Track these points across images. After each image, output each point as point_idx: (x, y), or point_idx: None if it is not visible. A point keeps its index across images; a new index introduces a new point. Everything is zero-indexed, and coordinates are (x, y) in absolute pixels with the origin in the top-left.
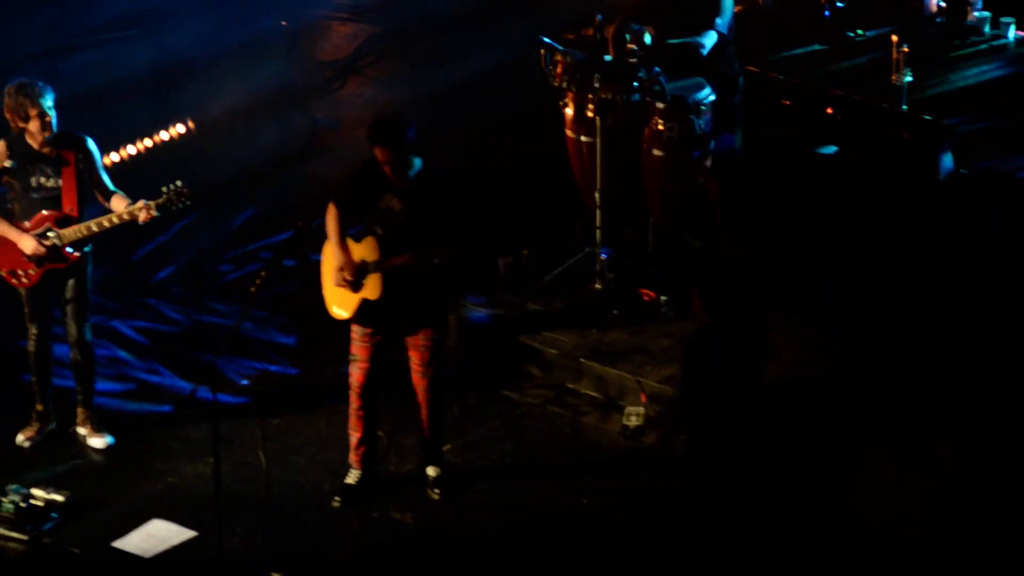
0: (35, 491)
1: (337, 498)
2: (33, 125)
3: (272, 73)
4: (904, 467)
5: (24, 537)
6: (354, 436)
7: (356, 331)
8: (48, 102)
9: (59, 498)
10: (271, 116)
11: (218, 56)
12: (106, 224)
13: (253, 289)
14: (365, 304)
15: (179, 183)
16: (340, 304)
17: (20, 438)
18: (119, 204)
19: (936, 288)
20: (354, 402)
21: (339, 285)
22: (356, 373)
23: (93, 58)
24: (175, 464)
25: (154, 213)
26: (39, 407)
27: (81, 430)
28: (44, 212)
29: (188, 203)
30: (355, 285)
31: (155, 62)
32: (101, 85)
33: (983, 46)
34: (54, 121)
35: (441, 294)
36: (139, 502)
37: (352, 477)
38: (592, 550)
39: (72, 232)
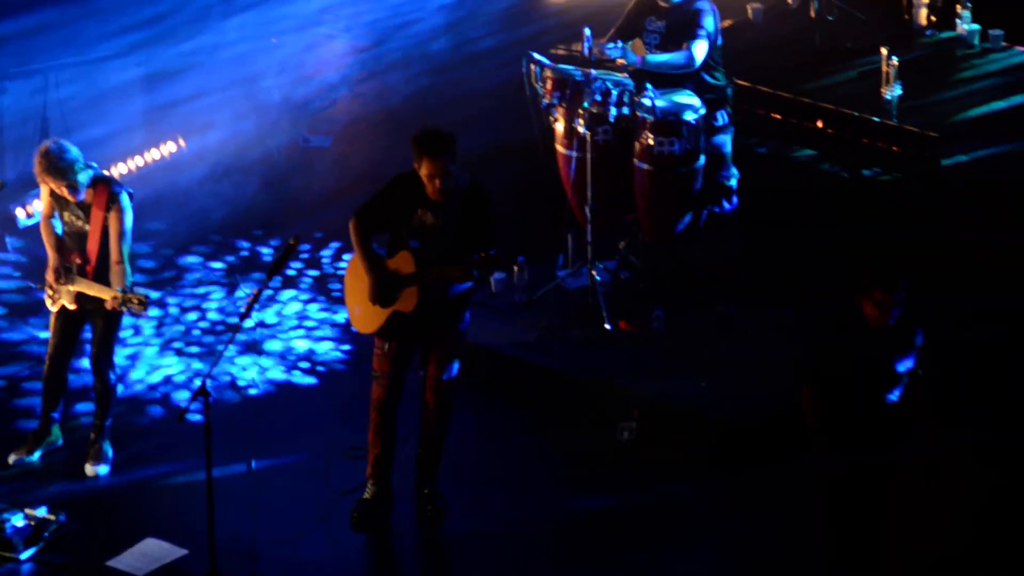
0: (28, 511)
1: (355, 513)
2: (59, 191)
3: (263, 91)
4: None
5: (16, 557)
6: (372, 451)
7: (380, 345)
8: (72, 176)
9: (52, 518)
10: (262, 135)
11: (212, 74)
12: (91, 293)
13: (246, 308)
14: (395, 317)
15: (145, 295)
16: (367, 318)
17: (11, 457)
18: (114, 275)
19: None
20: (374, 418)
21: (375, 298)
22: (378, 389)
23: (85, 75)
24: (168, 482)
25: (116, 306)
26: (38, 428)
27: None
28: (76, 252)
29: (143, 313)
30: (388, 299)
31: (147, 79)
32: (92, 102)
33: (973, 58)
34: (81, 187)
35: (465, 307)
36: (132, 521)
37: (369, 492)
38: (586, 566)
39: (80, 282)
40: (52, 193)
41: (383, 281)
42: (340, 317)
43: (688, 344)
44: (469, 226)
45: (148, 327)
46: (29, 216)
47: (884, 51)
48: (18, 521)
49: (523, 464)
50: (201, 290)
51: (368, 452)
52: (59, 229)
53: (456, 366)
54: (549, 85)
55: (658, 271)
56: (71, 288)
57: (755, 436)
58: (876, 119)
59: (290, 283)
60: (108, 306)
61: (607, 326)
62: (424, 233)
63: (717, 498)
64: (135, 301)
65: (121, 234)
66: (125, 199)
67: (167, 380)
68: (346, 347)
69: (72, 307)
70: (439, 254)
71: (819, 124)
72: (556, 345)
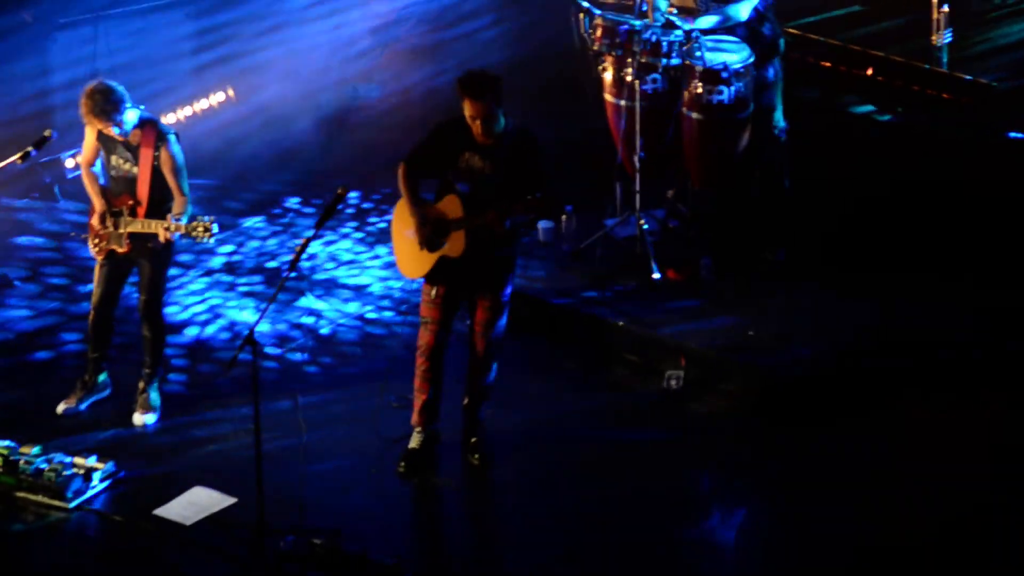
0: (77, 460)
1: (402, 463)
2: (106, 131)
3: (315, 41)
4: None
5: (65, 505)
6: (419, 398)
7: (427, 291)
8: (119, 116)
9: (100, 466)
10: (312, 85)
11: (261, 24)
12: (147, 229)
13: (294, 258)
14: (443, 261)
15: (211, 218)
16: (414, 263)
17: (60, 407)
18: (177, 207)
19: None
20: (422, 364)
21: (422, 242)
22: (426, 335)
23: (134, 25)
24: (216, 431)
25: (171, 236)
26: (85, 376)
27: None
28: (126, 194)
29: (212, 239)
30: (435, 243)
31: (197, 28)
32: (142, 52)
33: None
34: (127, 126)
35: (515, 253)
36: (180, 470)
37: (416, 441)
38: (633, 517)
39: (132, 223)
40: (99, 136)
41: (429, 225)
42: (387, 266)
43: (736, 293)
44: (517, 170)
45: (199, 274)
46: (78, 165)
47: None
48: (67, 470)
49: (570, 412)
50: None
51: (415, 399)
52: (101, 177)
53: (504, 314)
54: (599, 33)
55: (707, 219)
56: (122, 231)
57: (801, 386)
58: (927, 66)
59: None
60: (161, 237)
61: (655, 275)
62: (472, 177)
63: (760, 446)
64: (200, 228)
65: (176, 169)
66: (173, 137)
67: (217, 328)
68: (394, 297)
69: (123, 250)
70: (487, 198)
71: (869, 72)
72: (604, 294)
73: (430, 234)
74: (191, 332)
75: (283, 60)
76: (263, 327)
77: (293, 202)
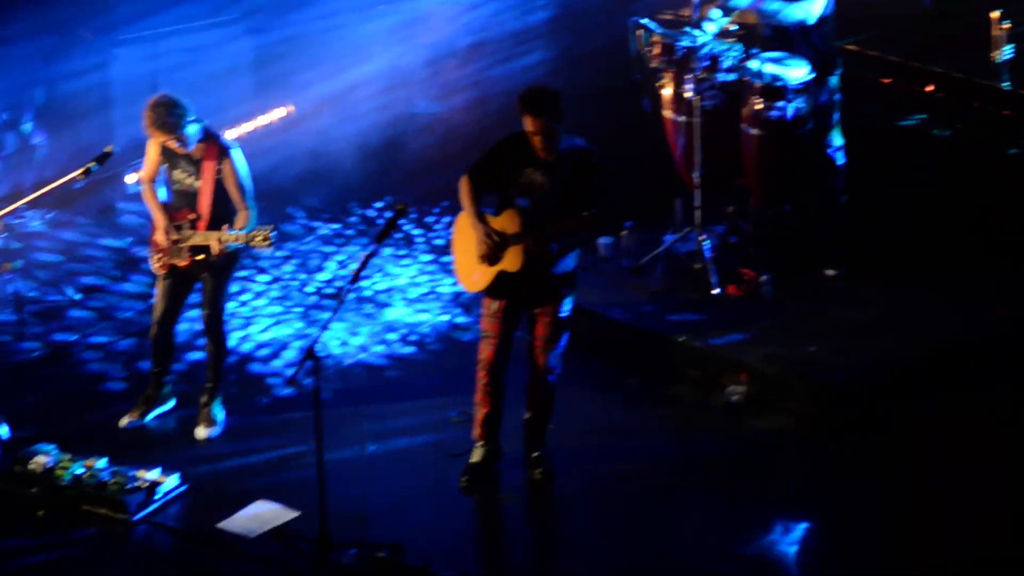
0: (140, 473)
1: (464, 478)
2: (169, 144)
3: (373, 57)
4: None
5: (129, 519)
6: (480, 411)
7: (488, 305)
8: (180, 130)
9: (164, 479)
10: (372, 101)
11: (321, 39)
12: (206, 242)
13: (355, 273)
14: (502, 276)
15: (271, 227)
16: (473, 276)
17: (123, 420)
18: (240, 220)
19: None
20: (483, 377)
21: (483, 255)
22: (487, 349)
23: (193, 42)
24: (278, 444)
25: (224, 248)
26: (148, 390)
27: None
28: (187, 209)
29: (272, 247)
30: (494, 257)
31: (257, 44)
32: (201, 68)
33: None
34: (191, 141)
35: (576, 268)
36: (243, 483)
37: (477, 455)
38: (694, 534)
39: (195, 237)
40: (163, 150)
41: (490, 239)
42: (447, 283)
43: (796, 309)
44: (576, 187)
45: (260, 288)
46: (139, 181)
47: (995, 15)
48: (131, 483)
49: (631, 427)
50: (315, 259)
51: (476, 413)
52: (162, 194)
53: (565, 329)
54: (657, 50)
55: (767, 236)
56: (183, 245)
57: (862, 401)
58: (986, 83)
59: (402, 248)
60: (213, 249)
61: (715, 291)
62: (532, 192)
63: (821, 463)
64: (259, 237)
65: (239, 181)
66: (237, 150)
67: (279, 342)
68: (455, 312)
69: (184, 264)
70: (547, 215)
71: (930, 88)
72: (664, 309)
73: (490, 248)
74: (247, 346)
75: (344, 75)
76: (333, 342)
77: (351, 218)
